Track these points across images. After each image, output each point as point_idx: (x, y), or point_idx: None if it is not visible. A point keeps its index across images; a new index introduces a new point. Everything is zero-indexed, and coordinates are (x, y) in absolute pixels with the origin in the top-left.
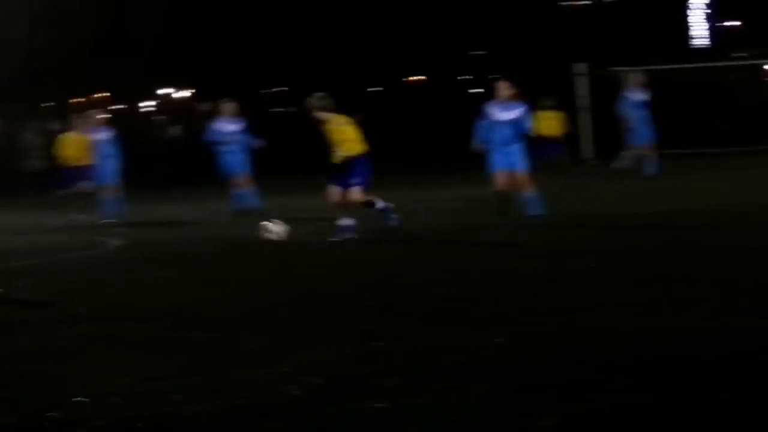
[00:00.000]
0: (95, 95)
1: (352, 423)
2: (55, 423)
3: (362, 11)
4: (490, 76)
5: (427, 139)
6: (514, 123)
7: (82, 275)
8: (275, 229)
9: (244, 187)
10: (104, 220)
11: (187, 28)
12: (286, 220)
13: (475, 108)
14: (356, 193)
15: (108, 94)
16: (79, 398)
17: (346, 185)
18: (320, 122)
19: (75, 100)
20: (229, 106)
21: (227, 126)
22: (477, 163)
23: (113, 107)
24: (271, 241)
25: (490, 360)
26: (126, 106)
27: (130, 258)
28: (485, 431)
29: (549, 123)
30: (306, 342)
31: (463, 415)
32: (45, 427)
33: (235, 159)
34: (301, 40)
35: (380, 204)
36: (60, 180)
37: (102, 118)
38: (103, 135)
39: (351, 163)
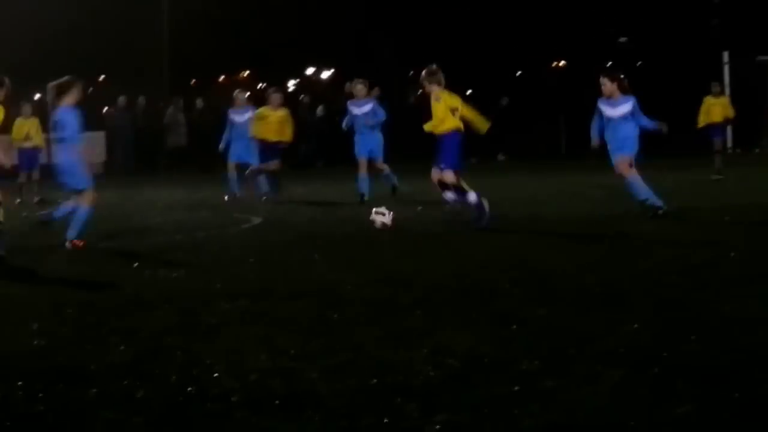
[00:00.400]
0: (239, 74)
1: (488, 405)
2: (193, 398)
3: None
4: (637, 63)
5: (570, 125)
6: (627, 118)
7: (223, 253)
8: (380, 217)
9: (373, 170)
10: (230, 196)
11: (331, 6)
12: (424, 204)
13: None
14: (447, 175)
15: (249, 72)
16: (216, 374)
17: (439, 165)
18: (428, 96)
19: (220, 78)
20: (360, 88)
21: (359, 108)
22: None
23: (257, 86)
24: (377, 228)
25: (629, 346)
26: (268, 85)
27: (271, 237)
28: (622, 416)
29: (716, 109)
30: (443, 325)
31: (600, 400)
32: (183, 402)
33: (365, 141)
34: (448, 21)
35: (472, 197)
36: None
37: (245, 99)
38: (247, 116)
39: (444, 141)
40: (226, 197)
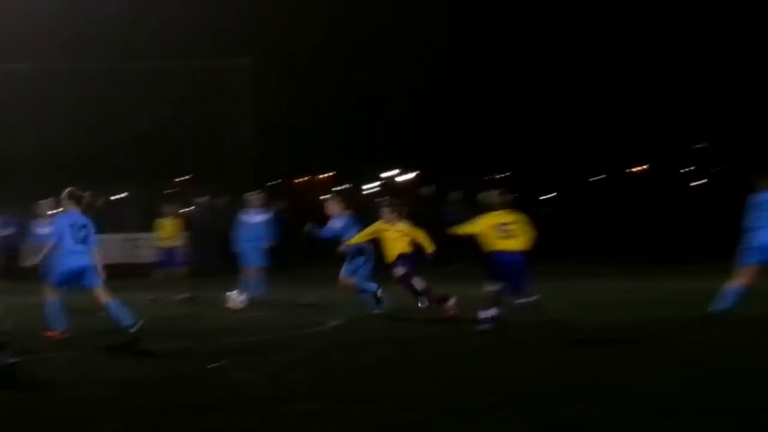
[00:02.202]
0: (320, 175)
1: None
2: None
3: (585, 101)
4: (712, 169)
5: (647, 229)
6: None
7: (300, 353)
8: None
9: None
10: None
11: (409, 110)
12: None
13: (696, 199)
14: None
15: (332, 173)
16: None
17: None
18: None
19: (299, 179)
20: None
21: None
22: (693, 256)
23: (337, 188)
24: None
25: None
26: (350, 186)
27: (348, 338)
28: None
29: None
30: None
31: None
32: None
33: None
34: (525, 127)
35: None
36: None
37: (262, 200)
38: (261, 217)
39: None
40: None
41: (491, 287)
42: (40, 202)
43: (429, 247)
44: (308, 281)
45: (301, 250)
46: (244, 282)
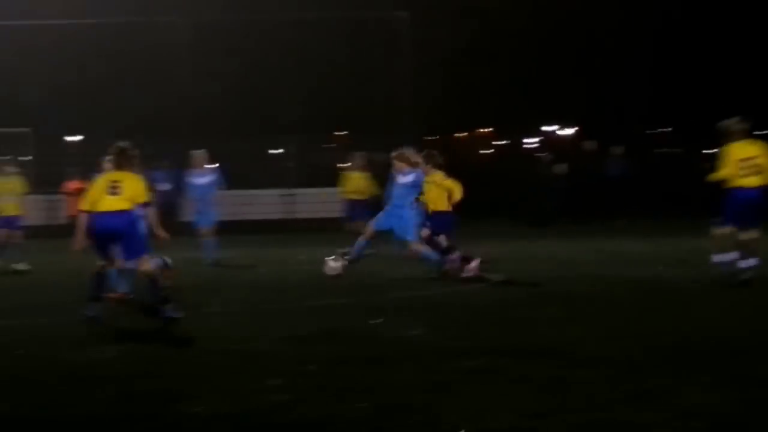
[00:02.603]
0: (479, 130)
1: None
2: None
3: (750, 55)
4: None
5: None
6: None
7: (462, 310)
8: (333, 264)
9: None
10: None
11: (570, 65)
12: (674, 262)
13: None
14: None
15: (491, 129)
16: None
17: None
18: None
19: (459, 134)
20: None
21: None
22: None
23: (497, 143)
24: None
25: None
26: (509, 142)
27: (510, 294)
28: None
29: None
30: (687, 385)
31: None
32: None
33: None
34: (688, 81)
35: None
36: None
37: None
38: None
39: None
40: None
41: (722, 230)
42: (196, 152)
43: (457, 195)
44: (469, 237)
45: (462, 204)
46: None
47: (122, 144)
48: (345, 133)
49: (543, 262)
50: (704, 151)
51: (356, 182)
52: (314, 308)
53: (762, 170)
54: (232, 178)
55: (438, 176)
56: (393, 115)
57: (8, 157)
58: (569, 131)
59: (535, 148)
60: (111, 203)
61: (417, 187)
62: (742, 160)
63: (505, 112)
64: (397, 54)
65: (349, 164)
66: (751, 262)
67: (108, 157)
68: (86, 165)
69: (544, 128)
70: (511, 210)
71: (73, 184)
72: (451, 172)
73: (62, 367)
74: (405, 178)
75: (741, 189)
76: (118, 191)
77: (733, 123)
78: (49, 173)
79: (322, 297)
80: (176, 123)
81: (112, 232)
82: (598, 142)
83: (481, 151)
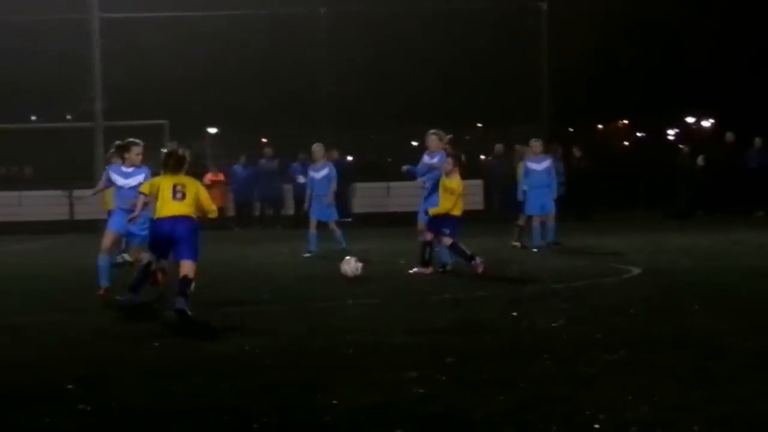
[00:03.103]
0: (617, 122)
1: None
2: None
3: None
4: None
5: None
6: None
7: (602, 302)
8: (348, 266)
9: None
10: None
11: (709, 56)
12: None
13: None
14: None
15: (627, 121)
16: (596, 425)
17: None
18: None
19: (597, 126)
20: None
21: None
22: None
23: (636, 134)
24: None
25: None
26: (646, 134)
27: (650, 286)
28: None
29: None
30: None
31: None
32: None
33: None
34: None
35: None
36: None
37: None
38: (543, 164)
39: None
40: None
41: None
42: (314, 146)
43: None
44: (607, 228)
45: (600, 196)
46: (535, 231)
47: (178, 148)
48: (480, 125)
49: (680, 254)
50: None
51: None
52: (451, 300)
53: None
54: (370, 169)
55: (455, 183)
56: (529, 107)
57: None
58: (708, 123)
59: (672, 140)
60: (175, 208)
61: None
62: None
63: (643, 104)
64: (533, 45)
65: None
66: None
67: (112, 150)
68: (222, 157)
69: (683, 120)
70: (647, 202)
71: (209, 176)
72: (592, 162)
73: (200, 358)
74: (432, 160)
75: None
76: (182, 196)
77: None
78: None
79: (459, 289)
80: (311, 114)
81: (171, 237)
82: (737, 133)
83: (622, 143)
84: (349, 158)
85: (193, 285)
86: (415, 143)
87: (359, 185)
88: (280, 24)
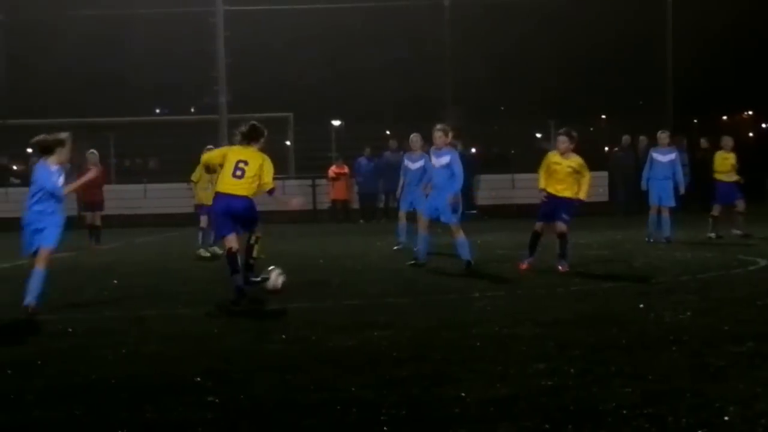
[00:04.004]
0: (742, 114)
1: None
2: None
3: None
4: None
5: None
6: None
7: (729, 294)
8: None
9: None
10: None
11: None
12: None
13: None
14: None
15: (751, 112)
16: (726, 417)
17: None
18: None
19: (723, 117)
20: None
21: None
22: None
23: (761, 126)
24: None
25: None
26: None
27: None
28: None
29: None
30: None
31: None
32: None
33: None
34: None
35: None
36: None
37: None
38: (668, 156)
39: None
40: (394, 247)
41: None
42: (412, 135)
43: (582, 194)
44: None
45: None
46: (652, 220)
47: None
48: (605, 117)
49: None
50: None
51: (724, 162)
52: (577, 292)
53: None
54: (496, 161)
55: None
56: (655, 99)
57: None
58: None
59: None
60: (233, 187)
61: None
62: None
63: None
64: (657, 36)
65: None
66: None
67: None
68: (346, 149)
69: None
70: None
71: (334, 169)
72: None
73: (326, 351)
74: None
75: None
76: (241, 174)
77: None
78: (312, 157)
79: (586, 281)
80: (436, 106)
81: (232, 213)
82: None
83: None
84: (473, 150)
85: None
86: (539, 135)
87: (484, 177)
88: (403, 14)
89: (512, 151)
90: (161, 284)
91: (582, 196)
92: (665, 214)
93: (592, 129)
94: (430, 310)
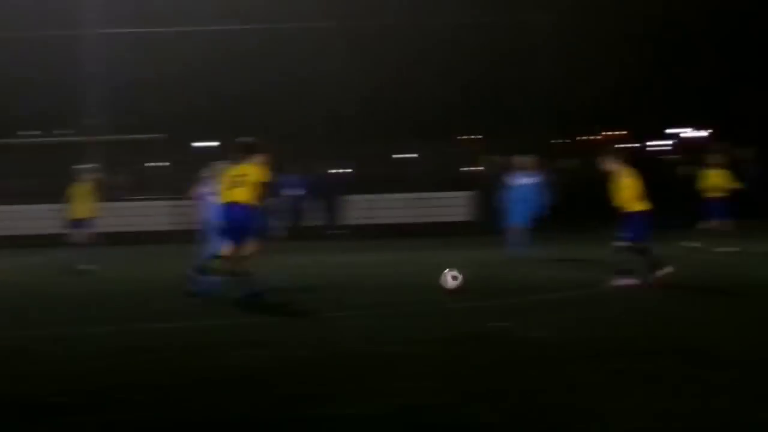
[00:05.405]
0: (610, 133)
1: None
2: None
3: None
4: None
5: None
6: None
7: (589, 311)
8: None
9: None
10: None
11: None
12: None
13: None
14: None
15: (623, 132)
16: None
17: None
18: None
19: (587, 137)
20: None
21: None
22: None
23: (626, 146)
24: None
25: None
26: (638, 145)
27: (635, 296)
28: None
29: None
30: None
31: None
32: None
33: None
34: None
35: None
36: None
37: (534, 163)
38: (529, 179)
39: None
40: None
41: None
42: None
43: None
44: (594, 239)
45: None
46: (516, 240)
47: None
48: (472, 137)
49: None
50: None
51: (714, 179)
52: (449, 310)
53: None
54: (361, 182)
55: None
56: (523, 119)
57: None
58: (701, 134)
59: (666, 150)
60: (234, 195)
61: None
62: None
63: (636, 115)
64: (532, 58)
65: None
66: None
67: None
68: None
69: (676, 131)
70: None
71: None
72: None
73: (211, 372)
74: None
75: None
76: (240, 184)
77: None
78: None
79: (459, 300)
80: (307, 130)
81: (232, 223)
82: (729, 145)
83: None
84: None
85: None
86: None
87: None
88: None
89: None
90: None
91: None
92: (524, 235)
93: (457, 149)
94: (303, 331)
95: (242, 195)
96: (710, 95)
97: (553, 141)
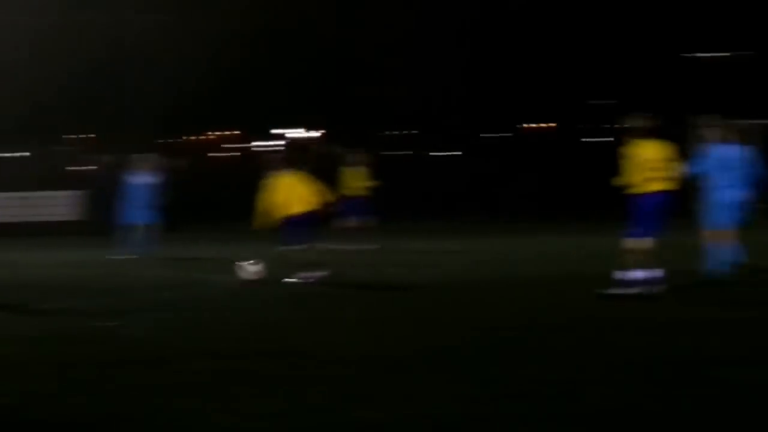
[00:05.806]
0: (220, 133)
1: None
2: None
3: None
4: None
5: (545, 188)
6: None
7: (197, 311)
8: (251, 269)
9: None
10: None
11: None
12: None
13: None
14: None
15: (235, 132)
16: None
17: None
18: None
19: (197, 137)
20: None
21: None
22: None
23: (236, 145)
24: (246, 281)
25: None
26: (247, 145)
27: (246, 294)
28: None
29: None
30: (412, 388)
31: None
32: None
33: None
34: (430, 83)
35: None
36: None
37: (151, 162)
38: (147, 179)
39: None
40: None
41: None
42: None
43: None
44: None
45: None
46: (131, 239)
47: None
48: (82, 136)
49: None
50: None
51: (353, 178)
52: (50, 310)
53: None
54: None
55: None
56: (135, 119)
57: None
58: (313, 134)
59: (269, 151)
60: None
61: None
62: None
63: (249, 116)
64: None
65: (348, 160)
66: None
67: None
68: None
69: (274, 131)
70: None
71: None
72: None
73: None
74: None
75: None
76: None
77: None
78: None
79: (61, 299)
80: None
81: None
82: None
83: (223, 154)
84: None
85: None
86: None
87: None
88: None
89: None
90: None
91: None
92: (141, 234)
93: (66, 148)
94: None
95: None
96: (320, 96)
97: (161, 141)
